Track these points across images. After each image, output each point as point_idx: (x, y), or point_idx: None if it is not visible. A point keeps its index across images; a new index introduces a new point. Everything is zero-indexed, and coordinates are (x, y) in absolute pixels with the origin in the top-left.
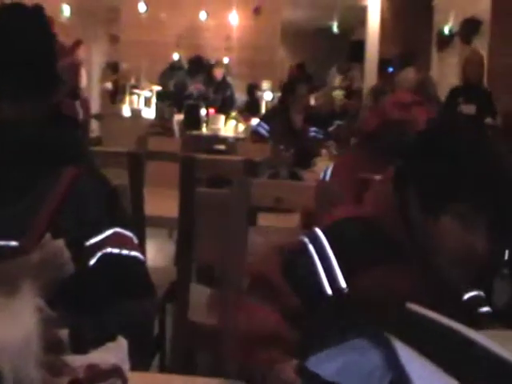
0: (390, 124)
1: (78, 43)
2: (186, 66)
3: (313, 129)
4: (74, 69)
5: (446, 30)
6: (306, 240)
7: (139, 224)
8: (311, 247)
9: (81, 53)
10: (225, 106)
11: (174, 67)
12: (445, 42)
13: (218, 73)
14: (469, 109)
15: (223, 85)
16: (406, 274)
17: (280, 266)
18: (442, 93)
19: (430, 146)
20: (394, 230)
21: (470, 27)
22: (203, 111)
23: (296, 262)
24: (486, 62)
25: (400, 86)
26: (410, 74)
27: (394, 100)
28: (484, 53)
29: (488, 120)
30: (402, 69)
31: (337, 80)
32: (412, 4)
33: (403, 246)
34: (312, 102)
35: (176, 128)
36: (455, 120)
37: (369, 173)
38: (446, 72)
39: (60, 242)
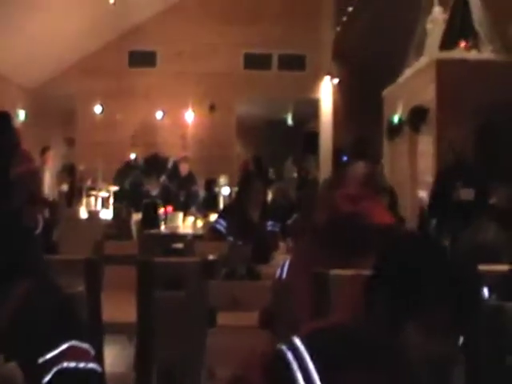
0: (341, 218)
1: (44, 150)
2: (141, 164)
3: (270, 223)
4: (33, 175)
5: (396, 119)
6: (286, 350)
7: (97, 331)
8: (291, 357)
9: (48, 158)
10: (189, 201)
11: (129, 166)
12: (395, 130)
13: (183, 168)
14: (467, 194)
15: (188, 180)
16: (383, 377)
17: (261, 374)
18: (396, 180)
19: (396, 261)
20: (368, 336)
21: (417, 116)
22: (161, 209)
23: (277, 371)
24: (433, 149)
25: (350, 180)
26: (359, 168)
27: (344, 194)
28: (431, 139)
29: (493, 200)
30: (355, 158)
31: (293, 172)
32: (362, 95)
33: (378, 351)
34: (269, 195)
35: (133, 228)
36: (419, 238)
37: (323, 266)
38: (397, 159)
39: (12, 365)
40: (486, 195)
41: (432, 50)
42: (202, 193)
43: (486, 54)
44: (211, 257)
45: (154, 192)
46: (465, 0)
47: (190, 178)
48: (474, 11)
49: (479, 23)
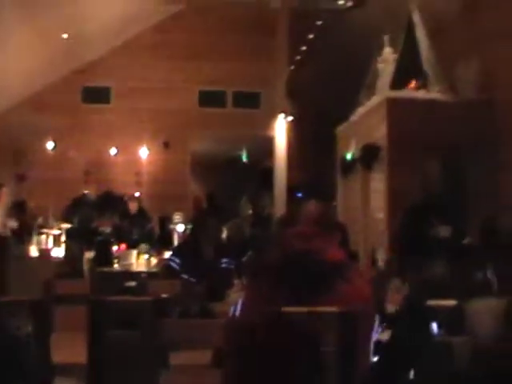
0: (294, 255)
1: None
2: (92, 201)
3: (224, 260)
4: None
5: (348, 157)
6: None
7: (46, 374)
8: None
9: (2, 195)
10: (144, 239)
11: (78, 203)
12: (348, 168)
13: (132, 206)
14: (445, 231)
15: (139, 218)
16: None
17: None
18: (350, 217)
19: None
20: None
21: (369, 153)
22: (114, 247)
23: None
24: (385, 186)
25: (303, 218)
26: (311, 206)
27: (296, 232)
28: (383, 177)
29: (468, 240)
30: (308, 195)
31: (248, 208)
32: (316, 132)
33: None
34: (224, 232)
35: (86, 267)
36: None
37: (276, 304)
38: (350, 196)
39: None
40: (460, 233)
41: (383, 89)
42: (156, 230)
43: (434, 93)
44: (164, 295)
45: (107, 230)
46: (414, 41)
47: (143, 216)
48: (423, 52)
49: (427, 63)
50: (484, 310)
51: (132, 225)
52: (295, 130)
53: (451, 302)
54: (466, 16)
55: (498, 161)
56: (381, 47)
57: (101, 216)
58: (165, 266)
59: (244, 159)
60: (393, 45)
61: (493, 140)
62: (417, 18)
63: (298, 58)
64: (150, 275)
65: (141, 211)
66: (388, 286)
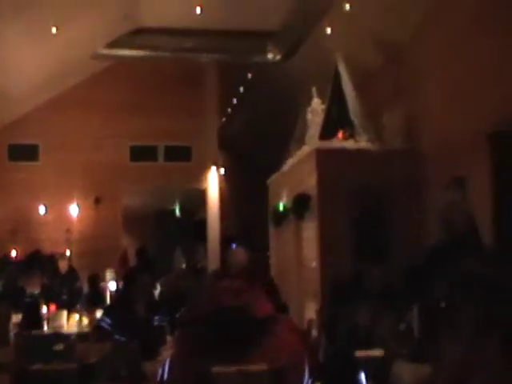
0: (225, 312)
1: None
2: (19, 261)
3: (157, 317)
4: None
5: (280, 207)
6: None
7: None
8: None
9: None
10: (73, 299)
11: (3, 263)
12: (280, 217)
13: (62, 266)
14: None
15: (70, 277)
16: None
17: None
18: (283, 266)
19: None
20: None
21: (300, 203)
22: (44, 308)
23: None
24: (316, 233)
25: (231, 267)
26: (239, 255)
27: (224, 287)
28: (315, 225)
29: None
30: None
31: (182, 262)
32: (248, 184)
33: None
34: (157, 288)
35: (12, 332)
36: None
37: (204, 363)
38: (283, 246)
39: None
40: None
41: (312, 140)
42: (84, 288)
43: (362, 143)
44: (93, 359)
45: (36, 291)
46: (341, 92)
47: (72, 275)
48: (349, 102)
49: (354, 114)
50: (408, 374)
51: (62, 284)
52: (227, 182)
53: (378, 353)
54: (390, 67)
55: (422, 207)
56: (309, 98)
57: (29, 277)
58: (95, 326)
59: (177, 212)
60: (321, 96)
61: (417, 187)
62: (342, 69)
63: (229, 110)
64: (81, 336)
65: (70, 270)
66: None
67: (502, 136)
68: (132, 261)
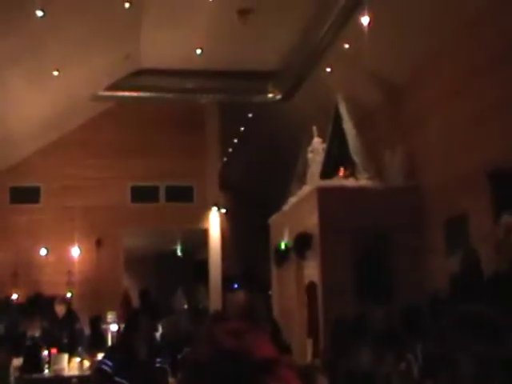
0: (224, 354)
1: None
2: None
3: (158, 359)
4: None
5: (282, 246)
6: None
7: None
8: None
9: None
10: (74, 341)
11: (4, 307)
12: (282, 257)
13: (59, 310)
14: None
15: (68, 320)
16: None
17: None
18: (286, 306)
19: None
20: None
21: (302, 242)
22: (45, 352)
23: None
24: (318, 275)
25: (231, 310)
26: (239, 297)
27: (225, 328)
28: (316, 264)
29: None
30: (243, 287)
31: (183, 303)
32: (249, 223)
33: None
34: (159, 330)
35: (13, 376)
36: None
37: None
38: (285, 285)
39: None
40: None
41: (313, 179)
42: (86, 330)
43: (363, 180)
44: None
45: (36, 334)
46: (341, 130)
47: (71, 317)
48: (350, 141)
49: (355, 152)
50: None
51: (61, 328)
52: (229, 222)
53: None
54: (390, 106)
55: (422, 244)
56: (310, 137)
57: (29, 320)
58: (97, 369)
59: (178, 252)
60: (321, 135)
61: (418, 225)
62: (343, 108)
63: (230, 150)
64: (82, 380)
65: (69, 313)
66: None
67: (502, 174)
68: (135, 303)
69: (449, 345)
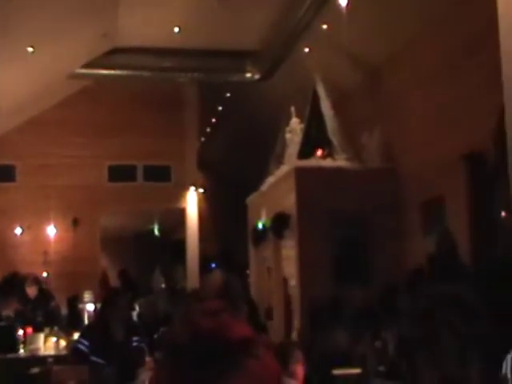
0: (201, 334)
1: None
2: None
3: (135, 338)
4: None
5: (260, 226)
6: None
7: None
8: None
9: None
10: (49, 320)
11: None
12: (259, 237)
13: (31, 291)
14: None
15: (42, 299)
16: None
17: None
18: (262, 285)
19: None
20: None
21: (279, 222)
22: (20, 331)
23: None
24: (296, 252)
25: (206, 290)
26: (215, 277)
27: (202, 308)
28: (294, 244)
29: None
30: (220, 266)
31: (161, 282)
32: (227, 203)
33: None
34: (136, 309)
35: None
36: None
37: None
38: (262, 265)
39: None
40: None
41: (291, 159)
42: (63, 310)
43: (340, 161)
44: (70, 382)
45: (10, 313)
46: (319, 111)
47: (45, 297)
48: (328, 122)
49: (332, 133)
50: None
51: (34, 308)
52: (206, 202)
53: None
54: (368, 88)
55: (399, 226)
56: (288, 118)
57: (4, 299)
58: (72, 349)
59: (156, 232)
60: (300, 115)
61: (395, 206)
62: (321, 89)
63: (208, 130)
64: (58, 359)
65: (42, 293)
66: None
67: (478, 157)
68: (113, 282)
69: (427, 323)
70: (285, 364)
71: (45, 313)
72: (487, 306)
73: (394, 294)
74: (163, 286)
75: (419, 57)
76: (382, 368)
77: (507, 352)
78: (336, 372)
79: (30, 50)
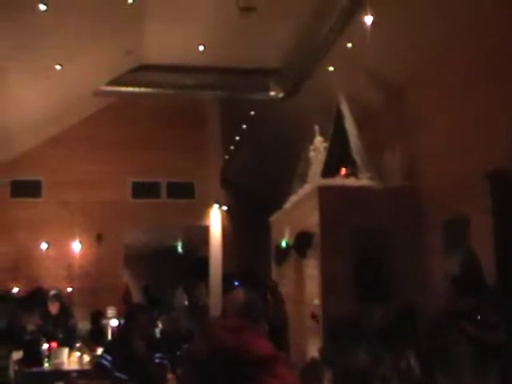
0: (223, 351)
1: None
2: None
3: (157, 355)
4: None
5: (283, 244)
6: None
7: None
8: None
9: None
10: (68, 337)
11: (5, 300)
12: (282, 255)
13: (53, 308)
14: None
15: (62, 317)
16: None
17: None
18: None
19: None
20: None
21: (302, 240)
22: (45, 345)
23: None
24: (318, 271)
25: (228, 308)
26: (238, 296)
27: (223, 325)
28: (317, 263)
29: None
30: (244, 284)
31: (183, 299)
32: (251, 221)
33: None
34: (159, 325)
35: (12, 369)
36: None
37: None
38: (285, 283)
39: None
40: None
41: (315, 177)
42: (86, 325)
43: (364, 180)
44: None
45: (34, 328)
46: (343, 130)
47: (65, 314)
48: (351, 141)
49: (356, 152)
50: None
51: (55, 324)
52: (230, 220)
53: None
54: (391, 107)
55: (421, 245)
56: (312, 136)
57: (29, 313)
58: (96, 364)
59: (179, 249)
60: (323, 134)
61: (417, 225)
62: (345, 108)
63: (232, 147)
64: (82, 374)
65: (63, 309)
66: (322, 377)
67: (502, 176)
68: (136, 298)
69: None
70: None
71: (64, 329)
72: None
73: (413, 314)
74: (186, 303)
75: (441, 74)
76: None
77: None
78: None
79: (58, 67)
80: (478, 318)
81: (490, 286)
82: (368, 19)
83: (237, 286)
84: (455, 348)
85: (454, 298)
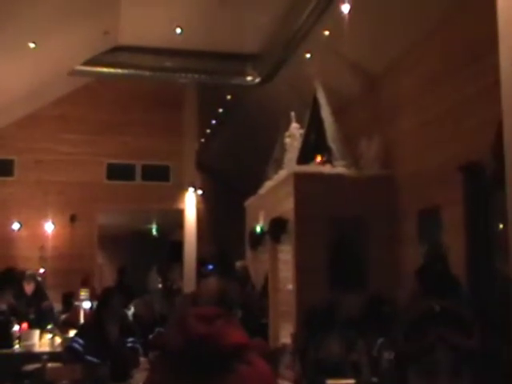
0: (195, 340)
1: None
2: None
3: (130, 339)
4: None
5: (258, 229)
6: None
7: None
8: None
9: None
10: (41, 318)
11: None
12: (256, 240)
13: (28, 288)
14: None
15: (37, 297)
16: None
17: None
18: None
19: None
20: None
21: (277, 226)
22: (16, 327)
23: None
24: (292, 257)
25: (202, 296)
26: (211, 283)
27: (197, 313)
28: (291, 249)
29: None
30: (219, 267)
31: (157, 282)
32: (226, 205)
33: None
34: (131, 309)
35: None
36: None
37: None
38: (258, 268)
39: None
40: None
41: (290, 164)
42: (58, 307)
43: (339, 168)
44: (64, 381)
45: (4, 308)
46: (319, 117)
47: (40, 295)
48: (327, 128)
49: (332, 140)
50: None
51: (28, 305)
52: (205, 203)
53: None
54: (367, 95)
55: (396, 233)
56: (288, 123)
57: (0, 293)
58: (67, 347)
59: (154, 232)
60: (299, 121)
61: (392, 214)
62: (321, 95)
63: (208, 131)
64: (53, 356)
65: (38, 290)
66: (281, 362)
67: (475, 168)
68: (110, 280)
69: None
70: (276, 368)
71: (37, 311)
72: (479, 320)
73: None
74: (159, 286)
75: (418, 65)
76: (375, 379)
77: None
78: (329, 382)
79: (32, 45)
80: (455, 322)
81: (457, 279)
82: (345, 8)
83: (211, 269)
84: (431, 353)
85: (418, 291)
